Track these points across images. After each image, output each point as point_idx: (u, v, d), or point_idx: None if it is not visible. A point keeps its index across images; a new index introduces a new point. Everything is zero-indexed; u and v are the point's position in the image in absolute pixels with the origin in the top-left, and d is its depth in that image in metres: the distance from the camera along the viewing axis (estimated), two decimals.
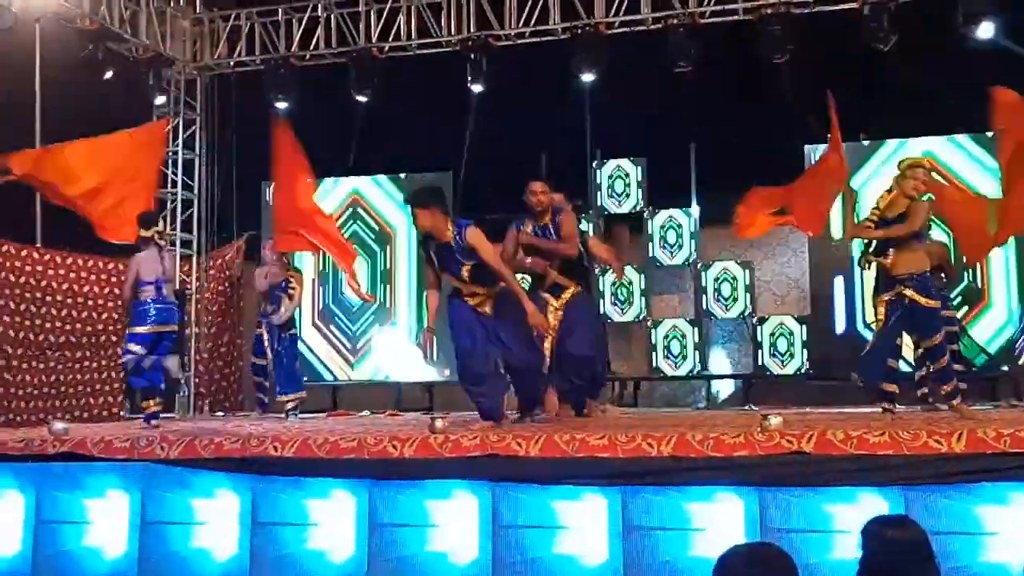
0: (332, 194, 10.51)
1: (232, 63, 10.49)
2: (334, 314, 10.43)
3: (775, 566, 2.32)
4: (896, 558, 2.40)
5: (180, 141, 10.50)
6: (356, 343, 10.33)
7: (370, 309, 10.19)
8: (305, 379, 8.70)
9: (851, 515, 4.04)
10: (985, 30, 8.40)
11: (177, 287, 8.72)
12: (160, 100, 10.18)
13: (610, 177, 9.98)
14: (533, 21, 9.53)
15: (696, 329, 9.64)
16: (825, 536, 4.14)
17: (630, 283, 9.78)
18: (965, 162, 9.12)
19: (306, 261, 10.05)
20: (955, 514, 4.06)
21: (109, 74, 9.35)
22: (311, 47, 10.14)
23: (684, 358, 9.62)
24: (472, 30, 9.64)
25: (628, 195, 9.92)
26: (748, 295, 9.58)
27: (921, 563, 2.42)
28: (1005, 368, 8.73)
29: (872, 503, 4.12)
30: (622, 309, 9.86)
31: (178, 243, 10.49)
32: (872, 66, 9.11)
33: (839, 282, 9.25)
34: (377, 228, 10.40)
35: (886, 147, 9.38)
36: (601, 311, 9.24)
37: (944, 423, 4.83)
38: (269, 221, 10.54)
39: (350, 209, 10.46)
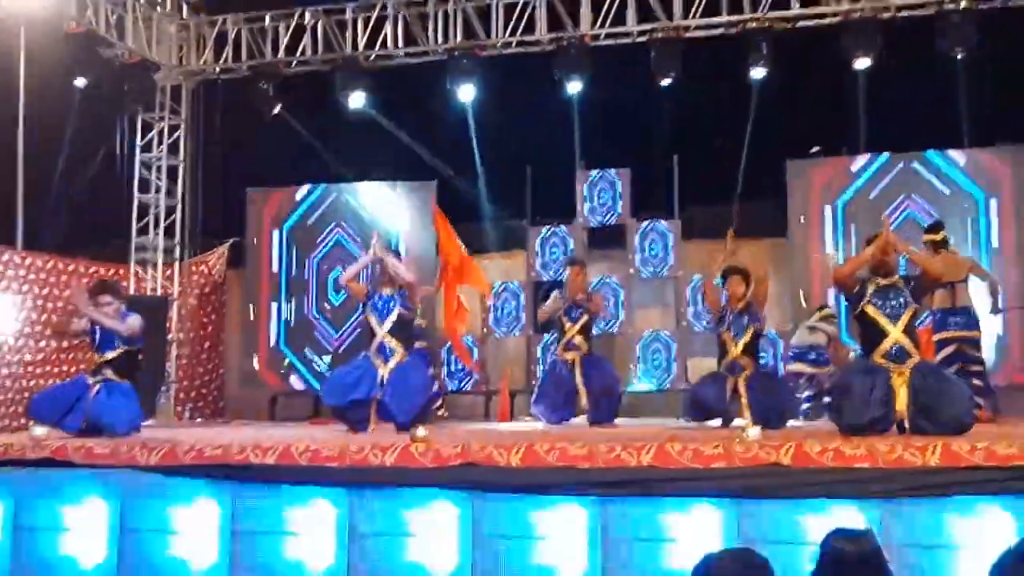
0: (316, 201, 10.51)
1: (218, 69, 10.49)
2: (316, 321, 10.42)
3: (755, 571, 2.35)
4: (845, 571, 2.42)
5: (164, 146, 10.49)
6: (338, 351, 10.31)
7: (352, 317, 10.17)
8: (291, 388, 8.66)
9: (827, 527, 4.07)
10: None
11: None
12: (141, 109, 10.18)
13: (594, 188, 10.03)
14: (519, 31, 9.60)
15: (677, 341, 9.69)
16: (802, 548, 4.17)
17: (616, 293, 9.86)
18: (936, 178, 9.26)
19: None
20: (931, 528, 4.10)
21: (91, 79, 9.32)
22: (297, 53, 10.15)
23: (665, 370, 9.67)
24: (459, 39, 9.69)
25: (612, 207, 9.96)
26: None
27: None
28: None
29: (848, 516, 4.15)
30: (604, 321, 9.89)
31: (160, 249, 10.47)
32: (852, 81, 9.22)
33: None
34: (361, 236, 10.40)
35: (864, 160, 9.50)
36: None
37: (920, 436, 4.88)
38: (253, 227, 10.57)
39: (334, 216, 10.45)
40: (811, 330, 8.43)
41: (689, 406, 6.87)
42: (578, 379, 7.48)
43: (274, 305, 10.46)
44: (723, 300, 6.99)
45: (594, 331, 7.96)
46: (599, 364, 7.75)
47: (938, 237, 7.58)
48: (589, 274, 10.00)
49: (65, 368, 8.99)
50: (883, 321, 5.32)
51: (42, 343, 8.86)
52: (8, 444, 5.38)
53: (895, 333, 5.28)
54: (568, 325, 7.64)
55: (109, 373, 6.33)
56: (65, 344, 8.92)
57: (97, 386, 6.26)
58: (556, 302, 7.73)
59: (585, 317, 7.64)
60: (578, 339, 7.62)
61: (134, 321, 6.39)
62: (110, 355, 6.35)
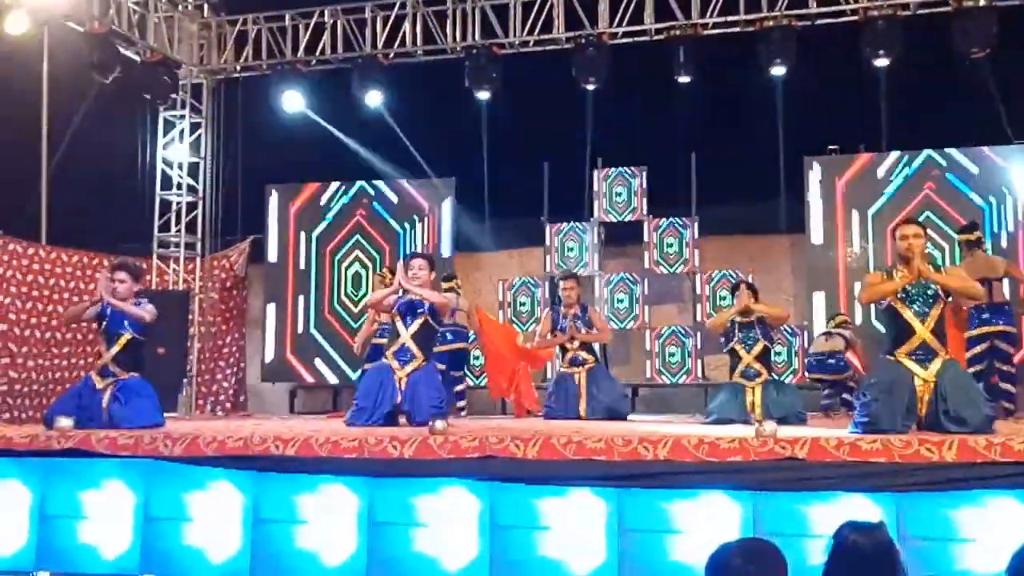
0: (336, 198, 10.59)
1: (238, 67, 10.59)
2: (335, 315, 10.50)
3: (769, 560, 2.39)
4: (857, 563, 2.45)
5: (185, 144, 10.60)
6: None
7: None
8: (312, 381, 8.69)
9: (841, 520, 4.08)
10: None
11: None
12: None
13: (611, 185, 10.06)
14: (537, 30, 9.64)
15: (694, 337, 9.71)
16: (817, 541, 4.20)
17: (630, 290, 9.88)
18: (956, 174, 9.24)
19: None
20: (946, 521, 4.12)
21: (113, 78, 9.41)
22: (317, 52, 10.23)
23: (681, 366, 9.70)
24: (477, 38, 9.74)
25: (629, 204, 10.00)
26: None
27: (882, 570, 2.47)
28: None
29: (862, 509, 4.18)
30: (621, 318, 9.94)
31: (182, 245, 10.58)
32: (872, 79, 9.19)
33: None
34: (380, 232, 10.48)
35: (883, 157, 9.49)
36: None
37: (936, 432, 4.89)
38: (274, 224, 10.67)
39: (353, 213, 10.54)
40: (828, 336, 8.43)
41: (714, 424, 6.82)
42: (582, 392, 7.43)
43: (294, 300, 10.56)
44: (729, 319, 7.00)
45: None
46: (606, 379, 7.65)
47: (973, 237, 7.68)
48: (608, 269, 10.10)
49: (90, 360, 9.12)
50: (910, 316, 5.22)
51: (68, 335, 8.98)
52: (34, 435, 5.47)
53: (922, 332, 5.18)
54: (569, 343, 7.64)
55: (117, 371, 6.26)
56: (91, 336, 9.04)
57: (109, 390, 6.19)
58: (550, 337, 7.71)
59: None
60: (583, 354, 7.60)
61: (150, 307, 6.41)
62: (116, 349, 6.28)
